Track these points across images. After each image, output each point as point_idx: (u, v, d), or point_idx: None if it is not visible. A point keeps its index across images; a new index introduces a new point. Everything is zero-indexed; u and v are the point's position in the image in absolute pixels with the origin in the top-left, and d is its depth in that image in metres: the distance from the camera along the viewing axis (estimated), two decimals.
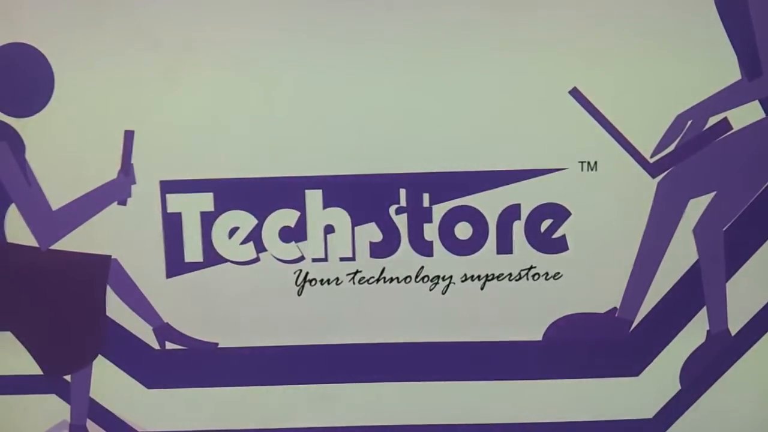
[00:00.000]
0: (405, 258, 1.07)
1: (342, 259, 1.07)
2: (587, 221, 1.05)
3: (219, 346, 1.10)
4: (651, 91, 1.02)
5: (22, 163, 1.05)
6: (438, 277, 1.07)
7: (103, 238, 1.07)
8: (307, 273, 1.07)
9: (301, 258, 1.07)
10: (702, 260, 1.06)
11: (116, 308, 1.08)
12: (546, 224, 1.05)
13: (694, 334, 1.08)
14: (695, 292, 1.07)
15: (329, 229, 1.06)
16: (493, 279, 1.07)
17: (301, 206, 1.06)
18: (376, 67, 1.02)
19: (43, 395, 1.11)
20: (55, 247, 1.07)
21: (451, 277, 1.07)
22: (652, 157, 1.03)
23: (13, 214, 1.06)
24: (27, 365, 1.10)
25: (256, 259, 1.07)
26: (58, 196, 1.06)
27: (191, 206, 1.06)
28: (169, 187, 1.05)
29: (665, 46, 1.01)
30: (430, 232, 1.06)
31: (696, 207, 1.05)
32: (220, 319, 1.09)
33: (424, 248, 1.06)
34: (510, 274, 1.07)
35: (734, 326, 1.08)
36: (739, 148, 1.03)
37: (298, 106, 1.03)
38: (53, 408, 1.11)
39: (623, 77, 1.02)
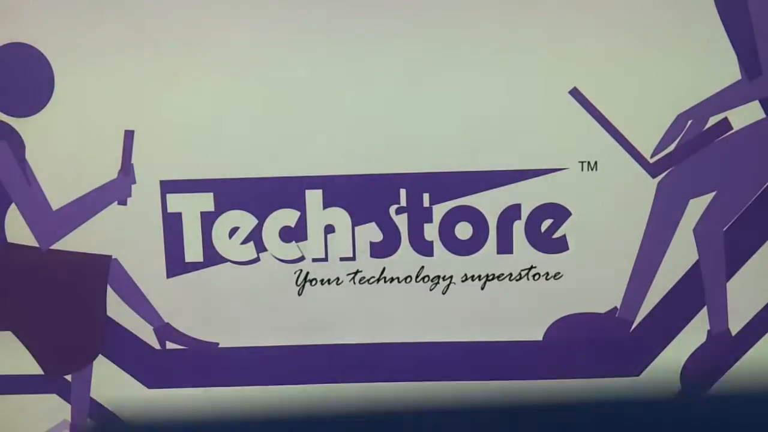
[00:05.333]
0: (405, 258, 1.07)
1: (342, 259, 1.07)
2: (587, 221, 1.05)
3: (219, 345, 1.10)
4: (651, 91, 1.02)
5: (22, 163, 1.05)
6: (438, 277, 1.07)
7: (103, 238, 1.07)
8: (307, 273, 1.07)
9: (302, 258, 1.07)
10: (702, 260, 1.06)
11: (116, 308, 1.09)
12: (546, 224, 1.05)
13: (694, 334, 1.08)
14: (695, 292, 1.07)
15: (329, 229, 1.06)
16: (493, 279, 1.07)
17: (301, 206, 1.06)
18: (376, 67, 1.02)
19: (43, 395, 1.11)
20: (55, 247, 1.07)
21: (451, 277, 1.07)
22: (652, 157, 1.03)
23: (13, 214, 1.06)
24: (27, 365, 1.10)
25: (257, 259, 1.07)
26: (58, 196, 1.06)
27: (191, 206, 1.06)
28: (169, 187, 1.05)
29: (665, 46, 1.01)
30: (430, 232, 1.06)
31: (696, 207, 1.05)
32: (221, 319, 1.09)
33: (424, 248, 1.06)
34: (510, 274, 1.07)
35: (734, 326, 1.08)
36: (739, 148, 1.03)
37: (298, 106, 1.03)
38: (54, 408, 1.12)
39: (623, 77, 1.02)
